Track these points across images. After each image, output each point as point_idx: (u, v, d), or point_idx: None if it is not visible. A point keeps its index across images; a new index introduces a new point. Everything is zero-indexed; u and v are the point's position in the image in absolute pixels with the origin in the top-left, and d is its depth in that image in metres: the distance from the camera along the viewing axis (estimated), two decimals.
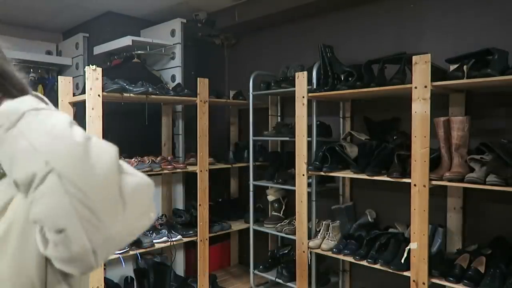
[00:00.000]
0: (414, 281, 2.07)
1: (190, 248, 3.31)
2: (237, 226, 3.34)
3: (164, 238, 2.82)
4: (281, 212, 3.20)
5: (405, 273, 2.13)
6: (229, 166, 3.33)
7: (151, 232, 2.83)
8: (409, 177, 2.09)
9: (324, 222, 2.69)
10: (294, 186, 2.69)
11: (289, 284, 2.85)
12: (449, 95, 2.30)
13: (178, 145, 3.37)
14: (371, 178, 2.28)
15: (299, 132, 2.61)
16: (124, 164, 0.56)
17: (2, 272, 0.57)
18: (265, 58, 3.47)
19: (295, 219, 2.77)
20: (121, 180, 0.53)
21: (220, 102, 3.29)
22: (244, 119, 3.67)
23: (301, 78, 2.60)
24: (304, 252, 2.64)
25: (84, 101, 2.41)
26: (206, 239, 2.99)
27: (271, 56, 3.43)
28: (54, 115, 0.55)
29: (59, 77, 2.73)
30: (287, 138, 2.84)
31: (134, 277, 3.01)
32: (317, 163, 2.54)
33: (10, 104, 0.55)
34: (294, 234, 2.75)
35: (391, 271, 2.20)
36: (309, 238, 2.66)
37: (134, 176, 0.56)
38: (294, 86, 2.64)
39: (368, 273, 2.66)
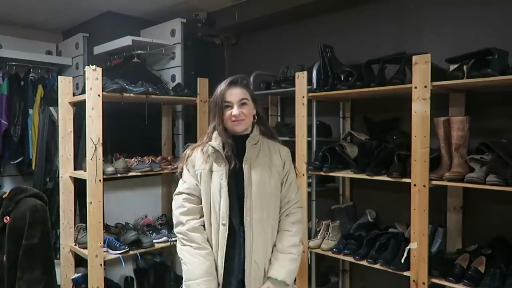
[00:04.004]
0: (414, 281, 2.07)
1: None
2: None
3: (164, 238, 2.81)
4: None
5: (405, 273, 2.13)
6: None
7: (151, 232, 2.83)
8: (409, 177, 2.09)
9: (324, 222, 2.69)
10: None
11: None
12: (449, 95, 2.30)
13: (178, 145, 3.37)
14: (371, 178, 2.28)
15: (299, 132, 2.61)
16: None
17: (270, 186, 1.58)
18: (265, 58, 3.47)
19: None
20: None
21: None
22: None
23: (301, 78, 2.60)
24: (304, 252, 2.63)
25: (84, 101, 2.41)
26: None
27: (271, 56, 3.42)
28: None
29: (59, 77, 2.74)
30: (287, 138, 2.84)
31: (134, 277, 3.01)
32: (317, 163, 2.54)
33: None
34: None
35: (391, 271, 2.20)
36: (309, 238, 2.66)
37: None
38: (294, 86, 2.64)
39: (368, 273, 2.67)
